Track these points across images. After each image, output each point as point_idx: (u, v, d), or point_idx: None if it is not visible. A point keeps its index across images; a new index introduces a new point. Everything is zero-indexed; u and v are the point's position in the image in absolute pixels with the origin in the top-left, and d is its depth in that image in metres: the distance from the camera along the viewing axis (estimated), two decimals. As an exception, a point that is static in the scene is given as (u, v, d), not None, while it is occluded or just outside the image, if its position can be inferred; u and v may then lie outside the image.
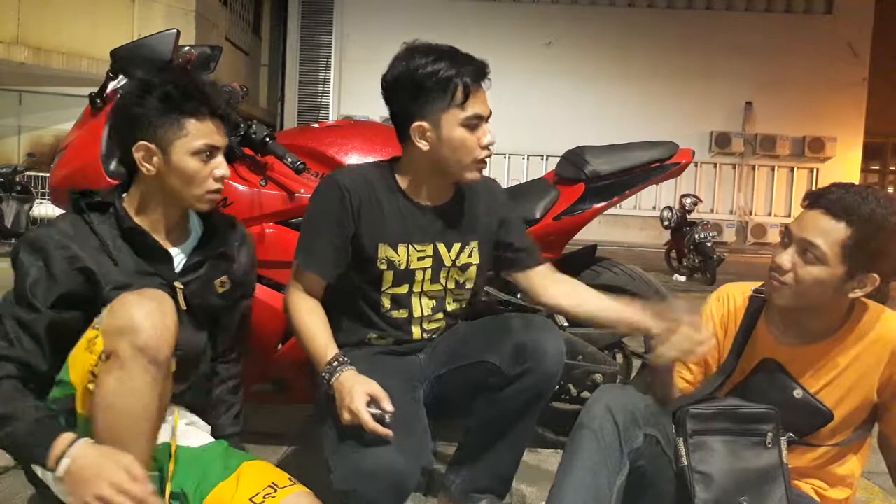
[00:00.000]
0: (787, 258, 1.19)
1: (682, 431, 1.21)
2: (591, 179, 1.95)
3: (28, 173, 7.96)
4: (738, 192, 12.94)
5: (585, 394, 2.06)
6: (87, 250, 1.19)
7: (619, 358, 2.12)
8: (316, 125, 2.05)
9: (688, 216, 7.77)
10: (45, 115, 8.92)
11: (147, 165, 1.23)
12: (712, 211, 12.43)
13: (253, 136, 1.74)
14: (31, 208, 7.73)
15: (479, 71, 1.35)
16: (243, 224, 1.73)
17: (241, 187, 1.74)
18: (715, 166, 12.83)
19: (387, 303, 1.46)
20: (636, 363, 2.16)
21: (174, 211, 1.29)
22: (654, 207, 11.06)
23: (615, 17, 12.59)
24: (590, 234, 2.29)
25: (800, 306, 1.22)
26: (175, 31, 1.74)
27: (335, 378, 1.26)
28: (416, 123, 1.36)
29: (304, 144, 1.80)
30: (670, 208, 7.93)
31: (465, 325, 1.55)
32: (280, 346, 1.75)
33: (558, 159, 2.08)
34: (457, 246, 1.47)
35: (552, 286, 1.53)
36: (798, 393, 1.25)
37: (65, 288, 1.17)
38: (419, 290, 1.46)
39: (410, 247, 1.43)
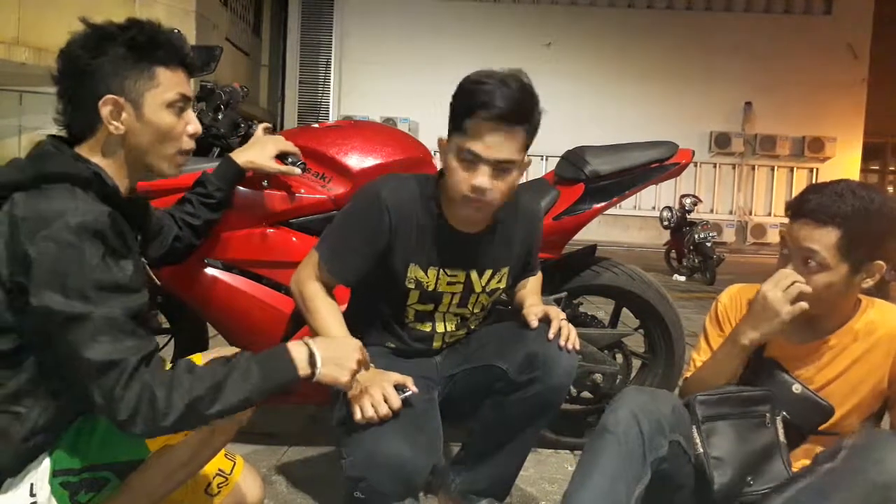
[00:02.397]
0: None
1: (695, 419, 1.22)
2: (590, 179, 1.95)
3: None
4: (737, 193, 12.94)
5: (585, 394, 2.07)
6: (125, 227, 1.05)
7: (619, 358, 2.12)
8: (316, 125, 2.04)
9: (687, 216, 7.77)
10: (46, 115, 8.91)
11: (115, 123, 1.08)
12: (712, 211, 12.42)
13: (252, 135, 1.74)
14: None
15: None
16: (243, 224, 1.74)
17: (241, 188, 1.74)
18: (714, 166, 12.82)
19: (411, 315, 1.46)
20: (636, 363, 2.17)
21: (136, 177, 1.15)
22: (654, 207, 11.05)
23: (615, 17, 12.57)
24: (590, 234, 2.29)
25: (817, 311, 1.25)
26: (175, 31, 1.74)
27: None
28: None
29: (305, 144, 1.80)
30: (670, 208, 7.93)
31: (483, 328, 1.55)
32: (280, 346, 1.75)
33: (558, 159, 2.08)
34: (489, 272, 1.46)
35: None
36: (797, 388, 1.27)
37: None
38: (444, 310, 1.46)
39: (441, 271, 1.41)
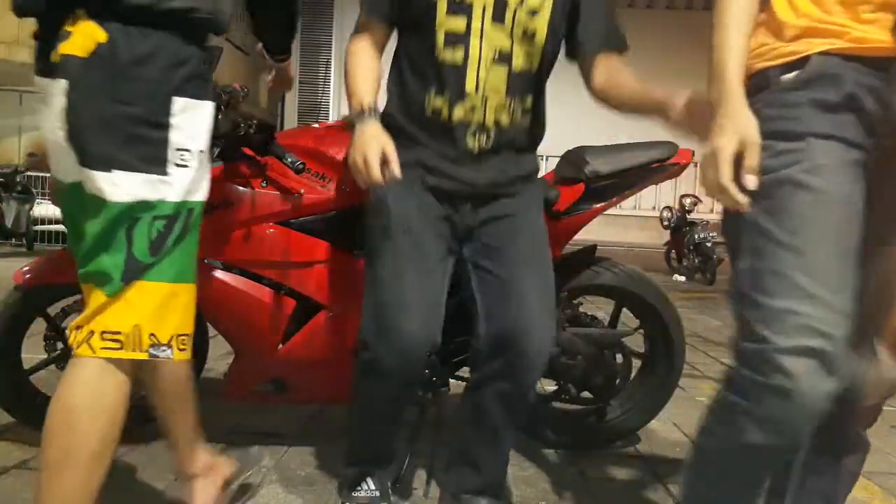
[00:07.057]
0: None
1: None
2: (590, 179, 1.95)
3: (28, 173, 7.95)
4: (738, 193, 12.94)
5: (585, 394, 2.07)
6: None
7: (619, 358, 2.12)
8: (316, 125, 2.04)
9: (688, 216, 7.79)
10: (46, 115, 8.88)
11: None
12: (712, 211, 12.39)
13: (253, 136, 1.74)
14: (31, 208, 7.71)
15: None
16: (243, 224, 1.74)
17: (241, 188, 1.74)
18: (715, 166, 12.82)
19: (440, 40, 1.37)
20: (636, 363, 2.16)
21: None
22: (654, 207, 11.05)
23: (615, 17, 12.58)
24: (590, 234, 2.28)
25: None
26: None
27: (360, 123, 1.33)
28: None
29: (305, 144, 1.79)
30: (670, 208, 7.95)
31: (518, 233, 1.48)
32: (280, 346, 1.75)
33: (558, 159, 2.08)
34: None
35: (599, 74, 1.56)
36: None
37: None
38: (479, 26, 1.36)
39: None
